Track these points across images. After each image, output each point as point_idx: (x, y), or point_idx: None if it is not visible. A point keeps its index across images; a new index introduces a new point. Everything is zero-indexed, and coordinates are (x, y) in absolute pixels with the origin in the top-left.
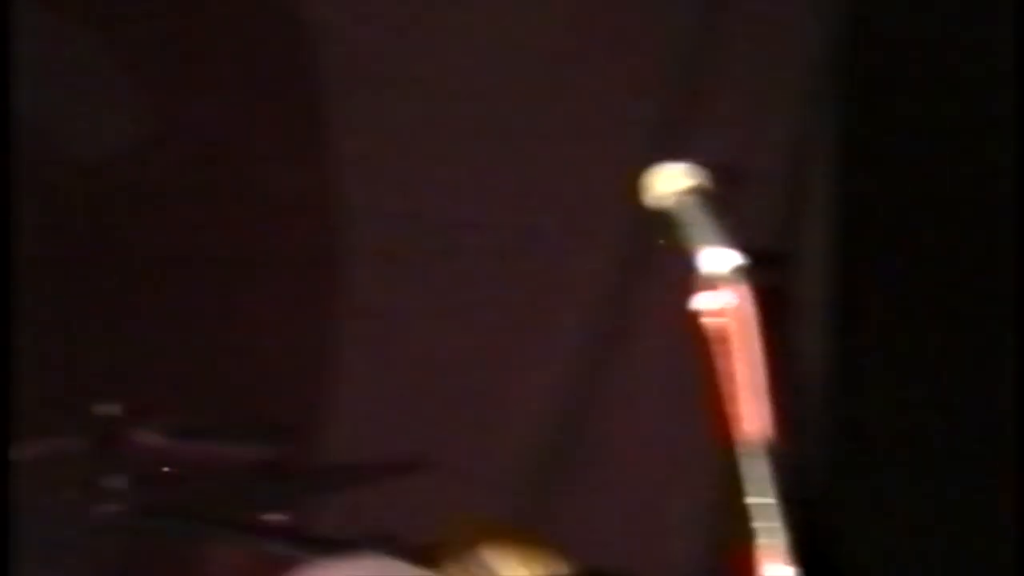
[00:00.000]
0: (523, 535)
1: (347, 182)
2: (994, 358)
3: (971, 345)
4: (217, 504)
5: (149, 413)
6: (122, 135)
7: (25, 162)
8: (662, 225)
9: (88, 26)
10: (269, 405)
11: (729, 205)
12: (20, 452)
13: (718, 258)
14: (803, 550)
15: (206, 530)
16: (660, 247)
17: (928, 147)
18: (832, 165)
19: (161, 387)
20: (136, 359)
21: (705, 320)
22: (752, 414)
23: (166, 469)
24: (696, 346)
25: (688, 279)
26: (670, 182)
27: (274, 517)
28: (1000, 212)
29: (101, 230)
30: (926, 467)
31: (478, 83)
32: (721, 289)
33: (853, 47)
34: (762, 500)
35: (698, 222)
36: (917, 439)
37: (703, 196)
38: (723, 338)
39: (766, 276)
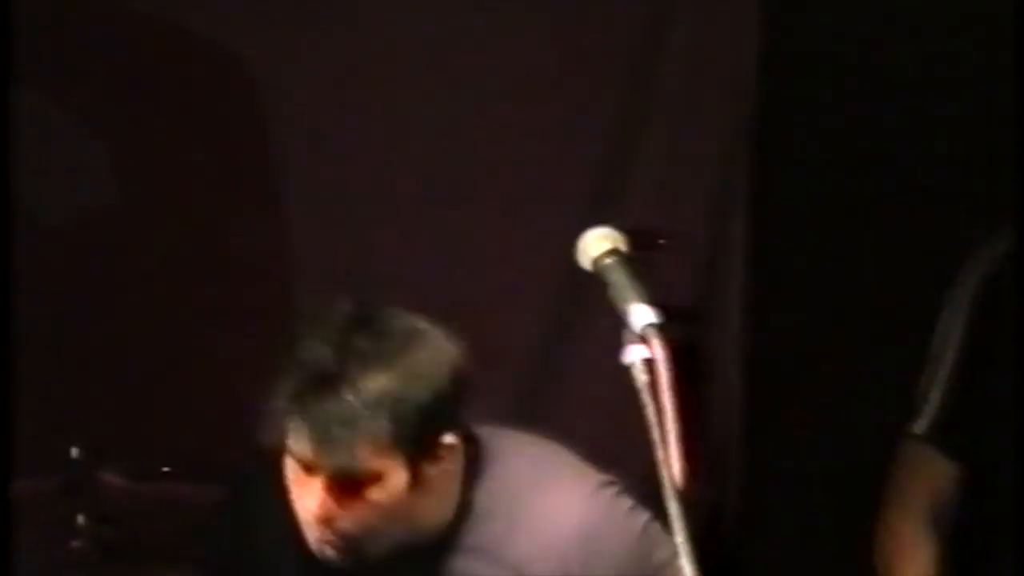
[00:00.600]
0: None
1: (297, 241)
2: (901, 403)
3: (874, 393)
4: (176, 542)
5: (111, 455)
6: (86, 198)
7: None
8: (598, 284)
9: (52, 97)
10: (229, 447)
11: (646, 265)
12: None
13: (640, 315)
14: None
15: (163, 567)
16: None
17: (837, 218)
18: (744, 227)
19: (124, 430)
20: (99, 403)
21: (632, 372)
22: (669, 457)
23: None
24: (629, 395)
25: (618, 334)
26: (595, 246)
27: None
28: (910, 264)
29: (68, 284)
30: (832, 506)
31: (422, 150)
32: (642, 343)
33: (765, 124)
34: (678, 538)
35: (619, 282)
36: (824, 480)
37: (621, 258)
38: (645, 388)
39: (681, 331)
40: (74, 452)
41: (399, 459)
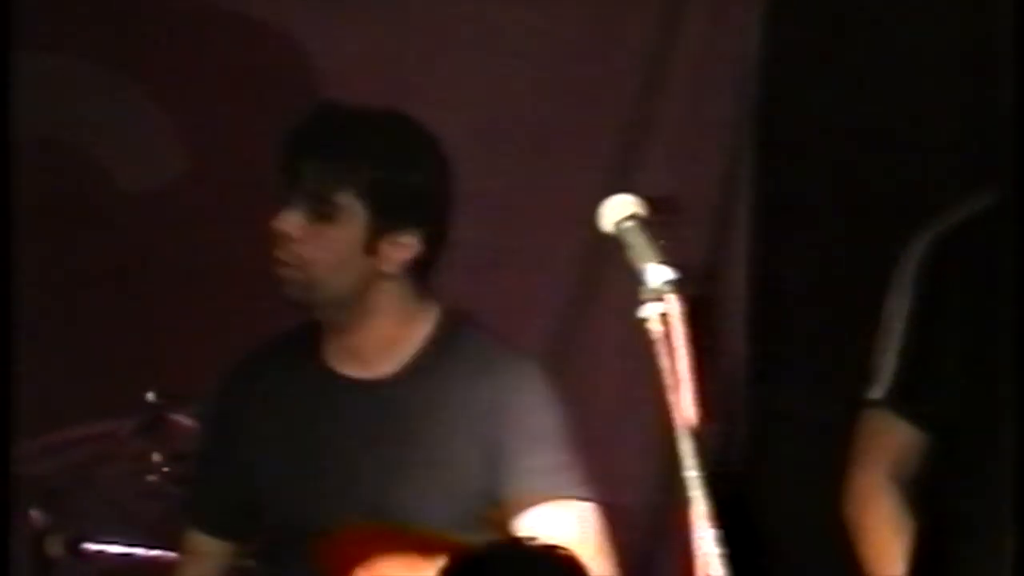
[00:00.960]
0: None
1: None
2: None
3: (868, 344)
4: None
5: (183, 400)
6: (161, 168)
7: (77, 190)
8: (616, 246)
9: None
10: None
11: (665, 229)
12: (82, 431)
13: (656, 273)
14: (724, 514)
15: None
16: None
17: (837, 187)
18: (750, 191)
19: (193, 378)
20: (172, 353)
21: (648, 325)
22: (685, 402)
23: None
24: (643, 347)
25: (635, 291)
26: (617, 211)
27: None
28: (907, 224)
29: (142, 248)
30: (830, 447)
31: (459, 121)
32: (658, 299)
33: (771, 97)
34: (692, 473)
35: (638, 243)
36: (822, 423)
37: (642, 222)
38: (661, 339)
39: (692, 287)
40: (149, 396)
41: (364, 218)
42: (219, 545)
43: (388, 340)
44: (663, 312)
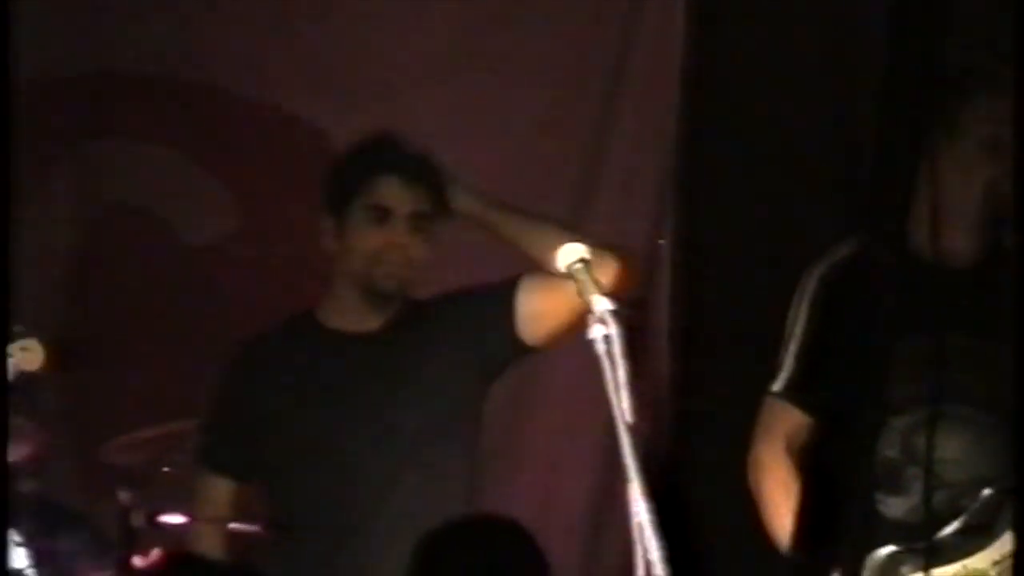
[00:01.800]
0: None
1: None
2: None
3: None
4: None
5: None
6: (215, 225)
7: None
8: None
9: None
10: None
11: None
12: (155, 431)
13: (599, 303)
14: (655, 492)
15: None
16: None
17: (752, 226)
18: (671, 236)
19: None
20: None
21: (595, 344)
22: (624, 403)
23: None
24: (592, 360)
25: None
26: (569, 255)
27: None
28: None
29: (201, 286)
30: (738, 439)
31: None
32: (602, 324)
33: (692, 147)
34: (630, 460)
35: (585, 280)
36: (732, 423)
37: (588, 264)
38: (605, 355)
39: (631, 315)
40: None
41: (446, 210)
42: (228, 485)
43: None
44: (606, 334)
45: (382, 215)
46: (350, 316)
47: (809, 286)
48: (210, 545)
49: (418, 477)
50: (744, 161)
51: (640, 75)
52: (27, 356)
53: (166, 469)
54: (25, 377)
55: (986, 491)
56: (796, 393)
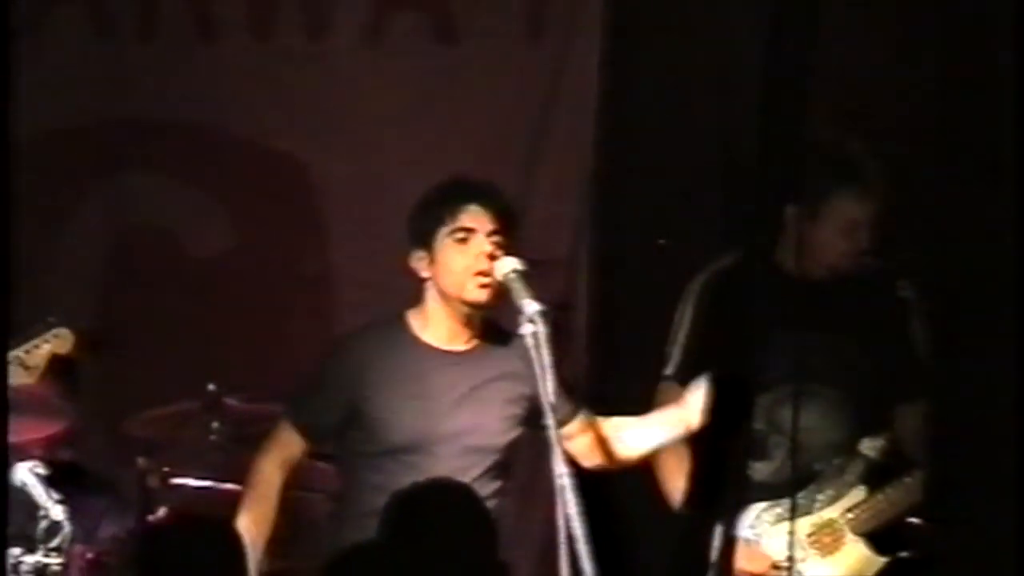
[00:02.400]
0: None
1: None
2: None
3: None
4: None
5: (233, 389)
6: (216, 241)
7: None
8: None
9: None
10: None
11: (535, 278)
12: (169, 409)
13: (529, 307)
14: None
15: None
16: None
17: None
18: (590, 249)
19: (240, 374)
20: (226, 354)
21: (526, 340)
22: (549, 389)
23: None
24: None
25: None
26: (505, 267)
27: None
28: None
29: (206, 293)
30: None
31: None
32: (531, 323)
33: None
34: (552, 432)
35: (518, 288)
36: (635, 400)
37: (521, 274)
38: (534, 349)
39: (556, 316)
40: (210, 387)
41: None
42: (300, 442)
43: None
44: (534, 331)
45: (467, 235)
46: (440, 333)
47: (693, 290)
48: (270, 484)
49: (481, 470)
50: (652, 194)
51: (563, 111)
52: (58, 342)
53: (213, 437)
54: (58, 360)
55: (836, 460)
56: (684, 376)
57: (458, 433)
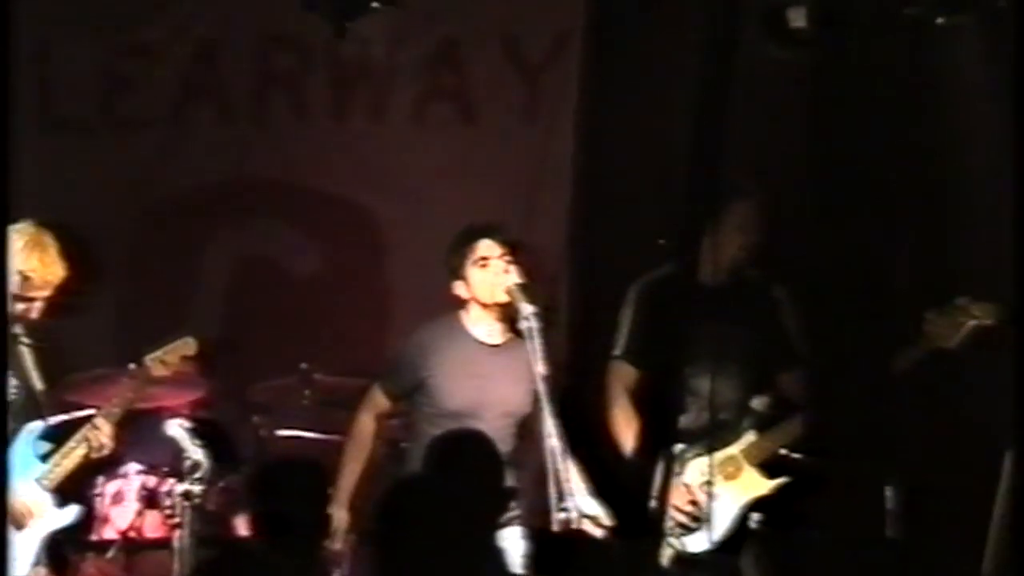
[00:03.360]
0: None
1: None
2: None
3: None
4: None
5: (321, 365)
6: (305, 268)
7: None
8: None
9: None
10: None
11: (530, 289)
12: (273, 383)
13: (526, 309)
14: (562, 415)
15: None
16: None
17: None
18: (572, 267)
19: (330, 353)
20: (316, 337)
21: (524, 331)
22: (541, 363)
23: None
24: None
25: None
26: (509, 281)
27: None
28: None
29: (294, 307)
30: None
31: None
32: (527, 320)
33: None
34: (546, 402)
35: (519, 296)
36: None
37: (521, 286)
38: (528, 338)
39: (545, 314)
40: (303, 366)
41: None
42: (385, 401)
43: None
44: (529, 326)
45: (485, 261)
46: (482, 330)
47: (633, 293)
48: (366, 430)
49: (511, 429)
50: (616, 229)
51: (551, 171)
52: (186, 347)
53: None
54: (187, 360)
55: (734, 413)
56: (627, 356)
57: (495, 403)
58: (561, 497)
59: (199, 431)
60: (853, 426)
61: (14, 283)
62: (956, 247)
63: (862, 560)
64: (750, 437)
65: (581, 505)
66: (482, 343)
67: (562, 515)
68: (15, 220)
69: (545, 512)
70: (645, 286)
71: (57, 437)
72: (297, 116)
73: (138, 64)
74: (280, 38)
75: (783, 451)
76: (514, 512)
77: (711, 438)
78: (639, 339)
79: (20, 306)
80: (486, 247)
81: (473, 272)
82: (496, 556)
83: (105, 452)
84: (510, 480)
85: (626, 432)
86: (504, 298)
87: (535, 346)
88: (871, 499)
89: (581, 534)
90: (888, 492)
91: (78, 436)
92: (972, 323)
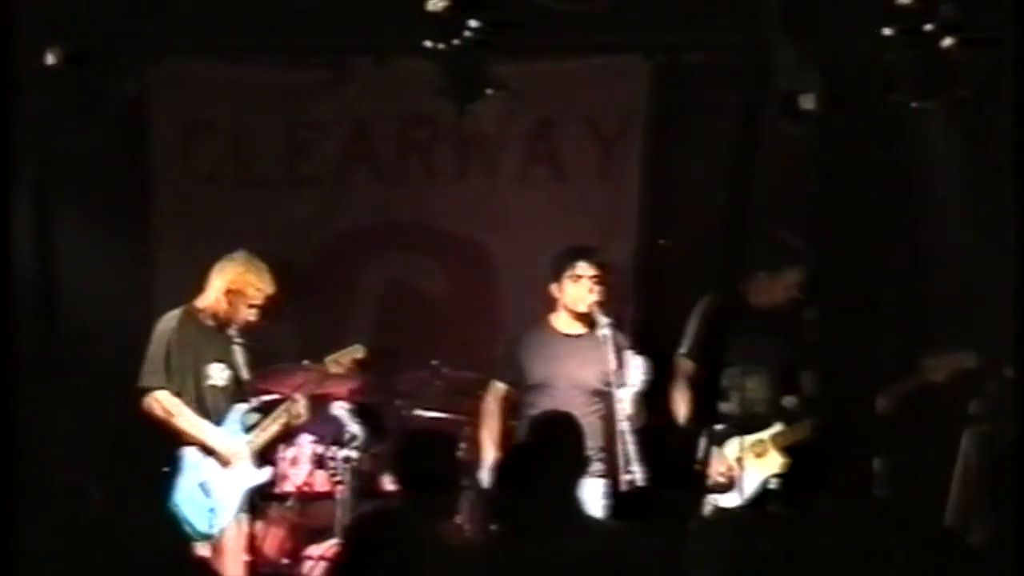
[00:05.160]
0: None
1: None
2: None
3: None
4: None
5: (449, 362)
6: (435, 290)
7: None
8: None
9: None
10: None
11: (607, 306)
12: (408, 375)
13: (602, 321)
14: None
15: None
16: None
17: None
18: (637, 291)
19: (451, 355)
20: (445, 347)
21: (601, 338)
22: (612, 368)
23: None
24: None
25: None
26: (591, 299)
27: None
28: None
29: (431, 319)
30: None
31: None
32: (604, 329)
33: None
34: (617, 392)
35: (597, 313)
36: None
37: (598, 303)
38: (604, 344)
39: (616, 325)
40: (433, 362)
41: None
42: (502, 388)
43: None
44: (604, 335)
45: (579, 278)
46: (563, 324)
47: (698, 307)
48: (494, 410)
49: (585, 401)
50: (671, 266)
51: (624, 218)
52: (356, 352)
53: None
54: (357, 362)
55: (767, 408)
56: (691, 353)
57: (564, 375)
58: (628, 462)
59: (356, 411)
60: (861, 423)
61: (234, 295)
62: (933, 296)
63: (855, 515)
64: (777, 427)
65: (639, 470)
66: (561, 334)
67: (628, 476)
68: (228, 252)
69: (615, 473)
70: (708, 302)
71: (259, 414)
72: (429, 175)
73: (311, 134)
74: (417, 116)
75: (803, 441)
76: (595, 469)
77: (745, 425)
78: (700, 342)
79: (243, 312)
80: (582, 267)
81: (567, 283)
82: (579, 503)
83: (301, 421)
84: (590, 446)
85: (681, 409)
86: (585, 309)
87: (608, 349)
88: (863, 468)
89: (642, 491)
90: (876, 461)
91: (278, 412)
92: (957, 367)
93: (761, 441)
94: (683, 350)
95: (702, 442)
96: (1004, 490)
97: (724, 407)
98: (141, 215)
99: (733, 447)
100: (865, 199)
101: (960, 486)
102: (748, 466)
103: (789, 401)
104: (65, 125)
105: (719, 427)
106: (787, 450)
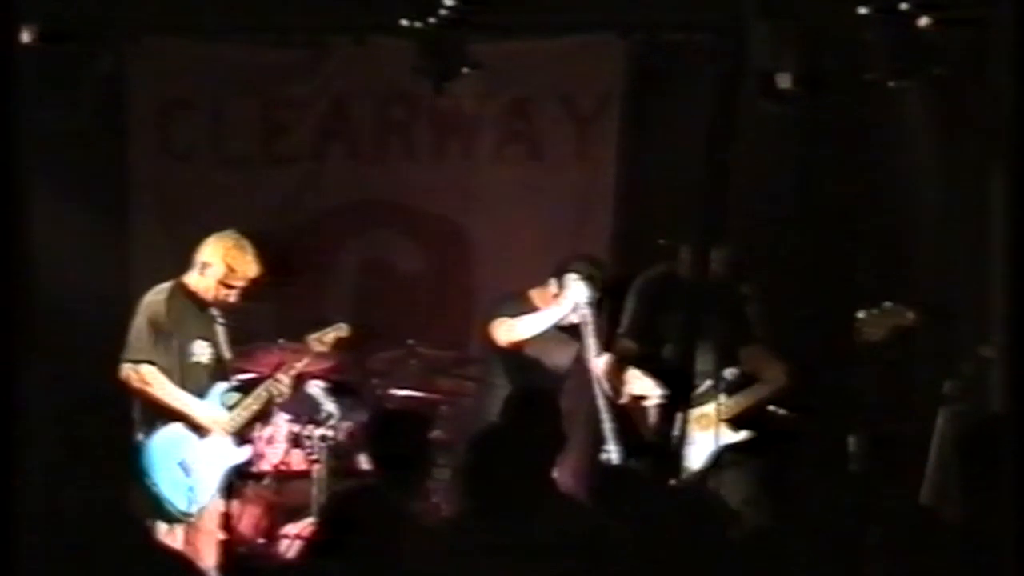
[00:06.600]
0: None
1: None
2: None
3: None
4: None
5: (423, 343)
6: (412, 267)
7: None
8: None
9: None
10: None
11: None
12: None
13: (581, 306)
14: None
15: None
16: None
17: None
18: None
19: (427, 335)
20: (421, 327)
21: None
22: (592, 350)
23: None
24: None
25: None
26: (579, 290)
27: None
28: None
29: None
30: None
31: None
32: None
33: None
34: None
35: (583, 303)
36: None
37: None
38: (583, 325)
39: (596, 312)
40: (409, 341)
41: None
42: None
43: None
44: (583, 321)
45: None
46: (544, 303)
47: (635, 286)
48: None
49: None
50: (640, 248)
51: (599, 200)
52: (341, 331)
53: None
54: (340, 341)
55: (710, 381)
56: (629, 333)
57: (550, 356)
58: (604, 441)
59: (332, 390)
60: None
61: (219, 274)
62: (895, 259)
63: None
64: (721, 398)
65: (615, 448)
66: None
67: (603, 456)
68: (205, 231)
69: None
70: (643, 282)
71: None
72: (406, 154)
73: (289, 113)
74: (395, 94)
75: (748, 411)
76: (570, 447)
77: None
78: (638, 321)
79: (223, 292)
80: (582, 267)
81: (568, 283)
82: (555, 482)
83: (283, 400)
84: (565, 424)
85: (626, 390)
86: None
87: (587, 334)
88: (835, 444)
89: (615, 468)
90: (851, 438)
91: (259, 390)
92: (893, 323)
93: (707, 414)
94: (621, 330)
95: (650, 417)
96: (979, 469)
97: (667, 383)
98: (118, 194)
99: (677, 421)
100: (842, 178)
101: (936, 463)
102: (696, 439)
103: (730, 373)
104: (41, 103)
105: (663, 403)
106: (731, 422)
